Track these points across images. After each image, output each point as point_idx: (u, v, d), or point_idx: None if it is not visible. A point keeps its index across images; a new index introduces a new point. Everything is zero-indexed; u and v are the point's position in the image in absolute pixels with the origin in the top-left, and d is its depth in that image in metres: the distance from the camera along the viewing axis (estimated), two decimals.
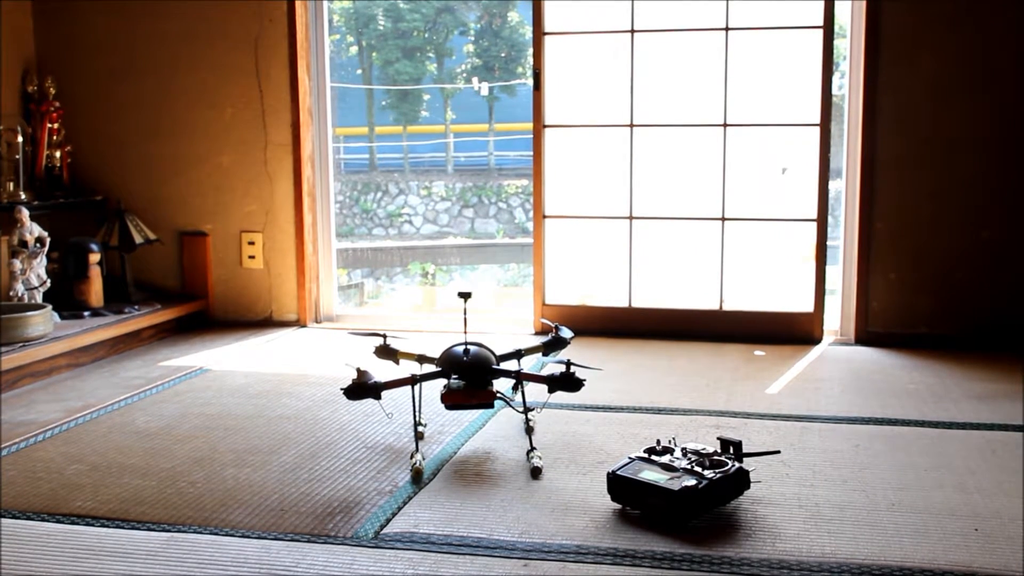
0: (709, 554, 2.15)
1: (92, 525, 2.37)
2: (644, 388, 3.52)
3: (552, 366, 2.85)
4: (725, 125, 4.31)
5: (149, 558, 2.17)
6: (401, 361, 3.10)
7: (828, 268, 4.27)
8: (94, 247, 4.42)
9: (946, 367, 3.79)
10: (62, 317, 4.19)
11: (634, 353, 4.09)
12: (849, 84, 4.19)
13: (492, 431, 3.04)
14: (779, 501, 2.44)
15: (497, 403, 2.86)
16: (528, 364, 3.50)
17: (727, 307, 4.40)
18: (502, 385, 3.05)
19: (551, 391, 2.77)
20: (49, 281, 4.22)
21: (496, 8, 18.74)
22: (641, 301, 4.49)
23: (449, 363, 2.83)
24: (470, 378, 2.78)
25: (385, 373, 2.94)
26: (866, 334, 4.21)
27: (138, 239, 4.61)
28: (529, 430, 2.87)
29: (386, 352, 3.08)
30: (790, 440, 2.91)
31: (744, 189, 4.34)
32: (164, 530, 2.32)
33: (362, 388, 2.72)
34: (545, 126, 4.47)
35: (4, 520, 2.39)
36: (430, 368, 2.94)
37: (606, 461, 2.74)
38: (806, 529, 2.28)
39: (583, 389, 2.75)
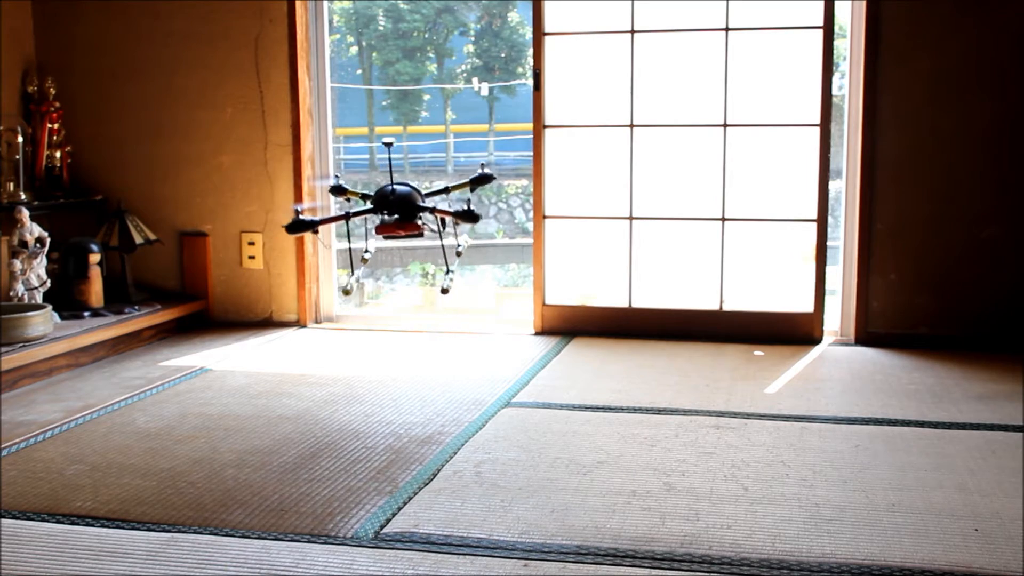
0: (709, 554, 2.15)
1: (92, 525, 2.37)
2: (644, 388, 3.52)
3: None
4: (725, 125, 4.31)
5: (149, 558, 2.17)
6: (350, 198, 3.54)
7: (828, 268, 4.26)
8: (94, 247, 4.42)
9: (946, 367, 3.79)
10: (62, 317, 4.19)
11: (634, 353, 4.09)
12: (849, 84, 4.19)
13: (492, 431, 3.04)
14: (779, 501, 2.44)
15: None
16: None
17: (727, 307, 4.40)
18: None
19: (456, 223, 3.30)
20: (49, 281, 4.22)
21: (496, 8, 18.75)
22: (641, 301, 4.49)
23: (378, 200, 3.26)
24: (397, 212, 3.21)
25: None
26: (866, 334, 4.21)
27: (138, 239, 4.61)
28: (458, 254, 3.40)
29: (338, 191, 3.53)
30: (790, 440, 2.91)
31: (744, 189, 4.34)
32: (164, 530, 2.32)
33: (300, 224, 3.18)
34: (545, 126, 4.47)
35: (4, 520, 2.39)
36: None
37: (606, 461, 2.74)
38: (806, 529, 2.28)
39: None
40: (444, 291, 3.37)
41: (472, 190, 3.57)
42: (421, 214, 3.28)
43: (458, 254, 3.44)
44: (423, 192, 3.38)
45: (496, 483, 2.60)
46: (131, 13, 4.72)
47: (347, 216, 3.30)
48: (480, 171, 3.55)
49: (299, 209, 3.22)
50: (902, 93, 4.08)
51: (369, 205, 3.34)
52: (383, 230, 3.25)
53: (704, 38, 4.30)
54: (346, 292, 3.32)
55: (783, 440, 2.92)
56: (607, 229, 4.51)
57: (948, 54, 4.03)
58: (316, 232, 3.31)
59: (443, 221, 3.40)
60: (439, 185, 3.56)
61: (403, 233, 3.26)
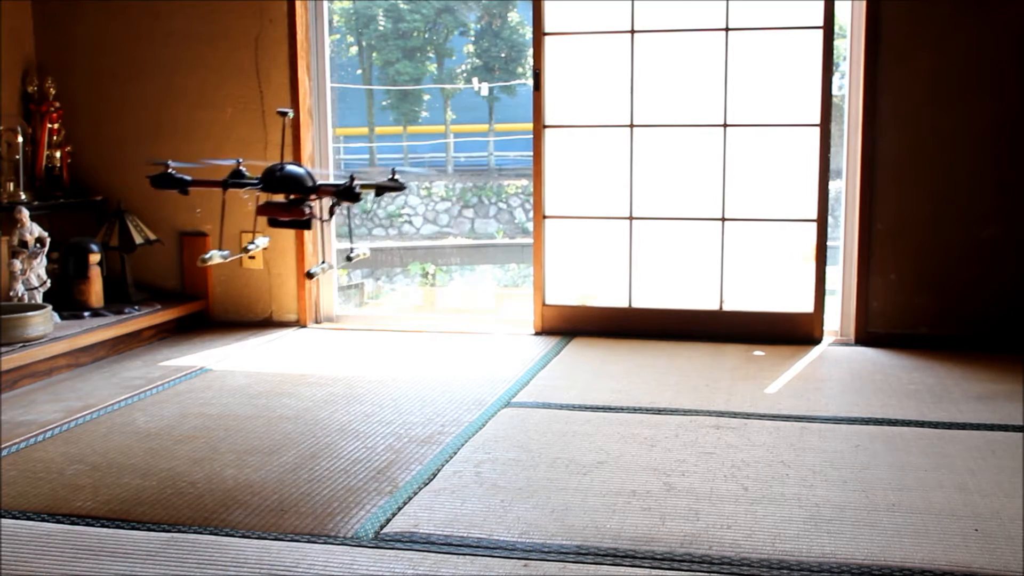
0: (709, 554, 2.15)
1: (92, 525, 2.37)
2: (644, 388, 3.52)
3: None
4: (725, 125, 4.31)
5: (149, 558, 2.17)
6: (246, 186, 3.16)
7: (828, 268, 4.26)
8: (94, 247, 4.42)
9: (946, 367, 3.79)
10: (62, 317, 4.19)
11: (634, 353, 4.09)
12: (849, 84, 4.19)
13: (492, 431, 3.04)
14: (779, 501, 2.44)
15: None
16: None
17: (727, 307, 4.40)
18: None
19: (337, 203, 2.94)
20: (49, 281, 4.22)
21: (496, 8, 18.75)
22: (641, 301, 4.49)
23: (264, 176, 2.93)
24: (282, 191, 2.91)
25: None
26: (866, 334, 4.21)
27: (138, 239, 4.61)
28: (348, 259, 3.10)
29: (236, 175, 3.11)
30: (790, 440, 2.91)
31: (744, 189, 4.34)
32: (164, 530, 2.32)
33: (168, 179, 2.82)
34: (545, 126, 4.47)
35: (4, 520, 2.39)
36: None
37: (606, 461, 2.74)
38: (806, 529, 2.28)
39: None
40: (308, 275, 3.12)
41: (377, 195, 3.27)
42: (309, 202, 2.95)
43: (348, 259, 3.20)
44: (319, 181, 3.03)
45: (496, 483, 2.60)
46: (131, 13, 4.72)
47: (224, 184, 2.94)
48: (390, 177, 3.17)
49: (171, 164, 2.86)
50: (902, 93, 4.08)
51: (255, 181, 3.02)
52: (265, 212, 2.94)
53: (704, 38, 4.30)
54: (203, 259, 2.98)
55: (783, 440, 2.92)
56: (607, 229, 4.51)
57: (948, 54, 4.03)
58: (185, 193, 2.90)
59: (331, 209, 3.05)
60: (341, 181, 3.18)
61: (286, 218, 2.93)
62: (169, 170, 2.82)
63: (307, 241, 4.68)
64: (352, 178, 2.90)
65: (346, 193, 2.89)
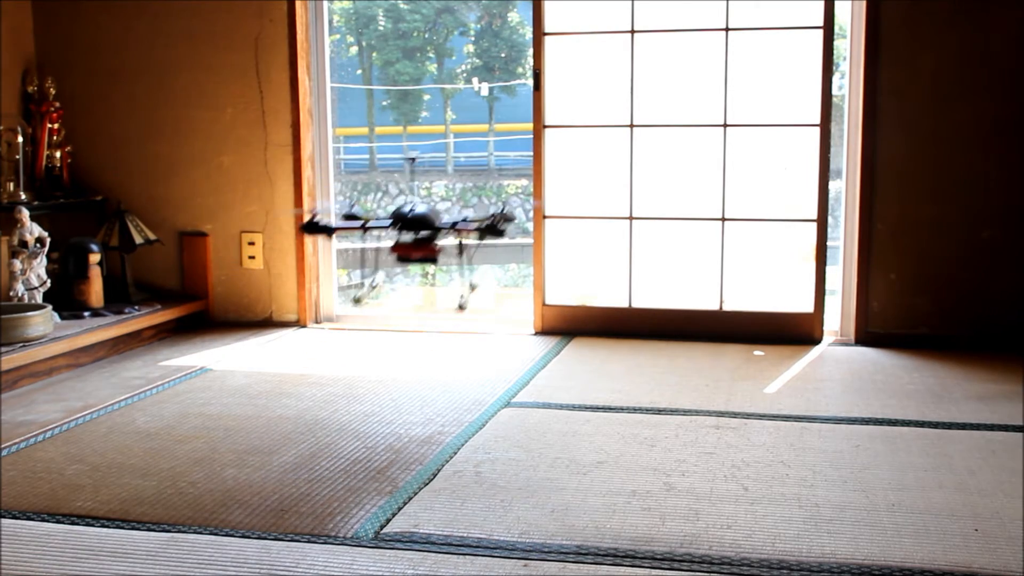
0: (709, 554, 2.15)
1: (92, 525, 2.37)
2: (644, 388, 3.52)
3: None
4: (725, 125, 4.31)
5: (149, 558, 2.17)
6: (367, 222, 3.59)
7: (828, 268, 4.27)
8: (94, 247, 4.42)
9: (946, 367, 3.79)
10: (62, 317, 4.19)
11: (634, 353, 4.09)
12: (849, 84, 4.19)
13: (492, 431, 3.04)
14: (779, 501, 2.44)
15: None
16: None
17: (727, 307, 4.40)
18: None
19: (481, 238, 3.21)
20: (49, 281, 4.22)
21: (496, 8, 18.75)
22: (641, 301, 4.49)
23: (396, 217, 3.25)
24: (414, 229, 3.18)
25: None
26: (866, 334, 4.21)
27: (138, 239, 4.61)
28: (472, 288, 3.46)
29: (351, 218, 3.55)
30: (790, 440, 2.91)
31: (744, 189, 4.34)
32: (164, 530, 2.32)
33: (315, 226, 3.26)
34: (545, 126, 4.47)
35: (4, 520, 2.39)
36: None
37: (606, 461, 2.74)
38: (806, 529, 2.28)
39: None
40: (461, 307, 3.50)
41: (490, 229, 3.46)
42: (437, 238, 3.22)
43: (473, 288, 3.51)
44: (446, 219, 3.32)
45: (496, 483, 2.60)
46: (131, 13, 4.72)
47: (364, 227, 3.34)
48: (503, 210, 3.43)
49: (316, 212, 3.25)
50: (902, 93, 4.08)
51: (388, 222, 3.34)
52: (398, 249, 3.22)
53: (704, 38, 4.30)
54: (356, 301, 3.52)
55: (783, 440, 2.92)
56: (607, 229, 4.51)
57: (948, 54, 4.03)
58: (330, 237, 3.28)
59: (460, 246, 3.32)
60: (455, 214, 3.45)
61: (417, 255, 3.21)
62: (316, 218, 3.30)
63: (307, 242, 4.68)
64: (495, 216, 3.21)
65: (491, 229, 3.20)
